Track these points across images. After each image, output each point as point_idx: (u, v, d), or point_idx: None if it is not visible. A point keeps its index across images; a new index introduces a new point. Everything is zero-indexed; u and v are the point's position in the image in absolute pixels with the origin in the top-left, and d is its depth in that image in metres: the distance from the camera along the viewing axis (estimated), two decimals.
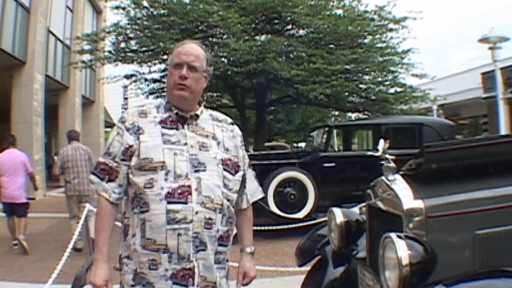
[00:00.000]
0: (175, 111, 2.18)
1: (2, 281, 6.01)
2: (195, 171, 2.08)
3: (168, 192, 2.02)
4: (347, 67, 12.56)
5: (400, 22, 13.54)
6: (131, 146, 2.10)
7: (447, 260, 2.29)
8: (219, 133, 2.25)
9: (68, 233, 7.59)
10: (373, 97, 13.99)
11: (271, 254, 7.28)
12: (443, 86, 19.25)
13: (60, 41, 20.51)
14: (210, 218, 2.06)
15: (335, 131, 10.15)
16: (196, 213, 2.03)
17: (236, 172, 2.24)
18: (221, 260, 2.16)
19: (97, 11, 26.65)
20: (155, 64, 14.08)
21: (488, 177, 2.60)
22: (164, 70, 14.00)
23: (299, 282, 3.52)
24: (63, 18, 21.13)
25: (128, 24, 13.50)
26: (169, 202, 2.01)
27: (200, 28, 12.63)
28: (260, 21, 12.80)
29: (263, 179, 8.56)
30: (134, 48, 13.67)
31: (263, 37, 13.10)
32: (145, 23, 13.22)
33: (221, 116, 2.37)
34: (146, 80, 15.29)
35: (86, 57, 15.44)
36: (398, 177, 2.66)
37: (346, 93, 13.63)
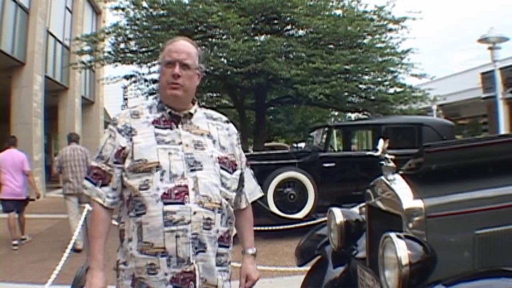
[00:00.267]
0: (168, 110, 2.13)
1: (1, 282, 6.00)
2: (191, 170, 2.02)
3: (165, 193, 1.97)
4: (347, 67, 12.56)
5: (400, 22, 13.54)
6: (124, 148, 2.05)
7: (446, 260, 2.29)
8: (214, 131, 2.20)
9: (68, 233, 7.60)
10: (372, 97, 14.00)
11: (271, 254, 7.28)
12: (443, 86, 19.24)
13: (60, 42, 20.51)
14: (209, 218, 2.01)
15: (334, 131, 10.16)
16: (194, 213, 1.97)
17: (234, 170, 2.19)
18: (223, 262, 2.09)
19: (97, 12, 26.64)
20: (154, 64, 14.05)
21: (487, 177, 2.60)
22: None
23: (299, 282, 3.51)
24: (63, 19, 21.13)
25: (127, 24, 13.50)
26: (165, 203, 1.96)
27: (199, 28, 12.63)
28: (259, 21, 12.80)
29: (263, 179, 8.56)
30: (134, 48, 13.68)
31: (262, 38, 13.11)
32: (144, 23, 13.22)
33: (215, 114, 2.32)
34: (145, 80, 15.29)
35: (86, 58, 15.43)
36: (397, 177, 2.65)
37: (346, 93, 13.63)
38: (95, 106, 26.37)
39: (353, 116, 18.28)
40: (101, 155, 2.10)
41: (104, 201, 2.06)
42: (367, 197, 3.00)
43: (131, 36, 13.38)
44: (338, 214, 3.27)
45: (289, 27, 13.80)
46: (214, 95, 17.73)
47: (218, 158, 2.12)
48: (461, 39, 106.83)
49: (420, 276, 2.18)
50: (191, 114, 2.16)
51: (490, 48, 12.73)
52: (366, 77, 14.06)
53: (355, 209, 3.90)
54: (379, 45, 13.81)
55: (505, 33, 12.66)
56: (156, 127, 2.09)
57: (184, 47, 2.14)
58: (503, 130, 13.81)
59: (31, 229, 9.58)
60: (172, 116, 2.13)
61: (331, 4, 13.66)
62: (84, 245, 7.52)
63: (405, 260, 2.15)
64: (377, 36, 13.87)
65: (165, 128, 2.10)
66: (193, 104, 2.21)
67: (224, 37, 12.58)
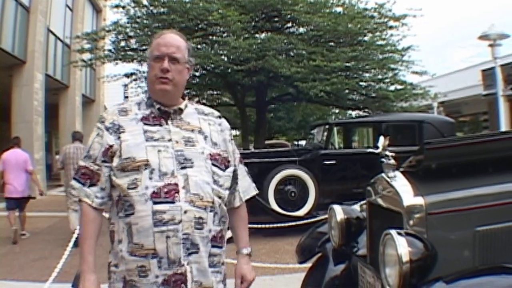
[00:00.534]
0: (157, 106, 2.05)
1: (2, 280, 6.02)
2: (182, 167, 1.95)
3: (154, 192, 1.89)
4: (347, 64, 12.54)
5: (400, 20, 13.54)
6: (111, 146, 1.98)
7: (447, 257, 2.29)
8: (206, 127, 2.12)
9: (69, 232, 7.60)
10: (373, 95, 14.00)
11: (272, 252, 7.29)
12: (443, 84, 19.22)
13: (60, 40, 20.52)
14: (200, 217, 1.93)
15: (335, 129, 10.15)
16: (185, 212, 1.89)
17: (226, 167, 2.11)
18: (215, 263, 2.02)
19: (97, 10, 26.66)
20: None
21: (488, 174, 2.59)
22: None
23: (299, 280, 3.51)
24: (63, 17, 21.14)
25: (128, 22, 13.51)
26: (155, 203, 1.88)
27: (200, 26, 12.63)
28: (260, 19, 12.80)
29: (264, 177, 8.62)
30: (134, 46, 13.67)
31: (263, 35, 13.10)
32: (145, 21, 13.23)
33: (207, 109, 2.24)
34: (146, 78, 15.26)
35: (86, 56, 15.43)
36: (398, 174, 2.65)
37: (346, 91, 13.62)
38: (96, 104, 26.39)
39: (353, 113, 18.26)
40: (89, 154, 2.03)
41: (93, 201, 1.99)
42: (367, 194, 3.00)
43: (131, 34, 13.38)
44: (339, 212, 3.26)
45: (289, 24, 13.81)
46: (215, 93, 17.72)
47: (210, 154, 2.04)
48: (461, 36, 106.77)
49: (420, 273, 2.18)
50: (181, 110, 2.09)
51: (490, 45, 12.69)
52: (367, 75, 14.08)
53: (356, 207, 3.90)
54: (379, 42, 13.82)
55: (505, 30, 12.64)
56: (145, 124, 2.02)
57: (173, 41, 2.07)
58: (503, 127, 13.79)
59: (31, 227, 9.61)
60: (162, 112, 2.06)
61: (331, 1, 13.64)
62: None
63: (405, 257, 2.15)
64: (377, 33, 13.88)
65: (154, 125, 2.02)
66: (183, 99, 2.14)
67: (225, 34, 12.59)
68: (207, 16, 11.80)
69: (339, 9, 13.68)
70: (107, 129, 2.02)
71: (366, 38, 13.66)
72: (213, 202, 1.98)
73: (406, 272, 2.14)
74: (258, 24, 12.80)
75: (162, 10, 12.97)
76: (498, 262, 2.25)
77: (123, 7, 13.37)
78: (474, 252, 2.36)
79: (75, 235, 5.97)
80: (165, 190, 1.90)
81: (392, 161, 2.70)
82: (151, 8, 13.28)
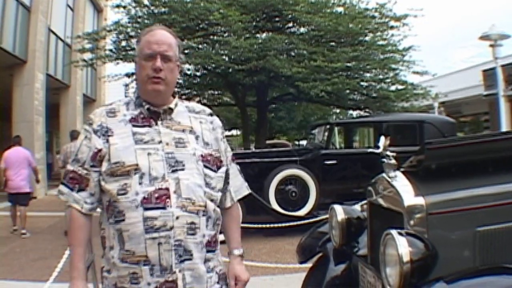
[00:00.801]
0: (147, 106, 1.97)
1: (3, 280, 6.02)
2: (173, 171, 1.88)
3: (144, 198, 1.82)
4: (348, 64, 12.56)
5: (401, 20, 13.55)
6: (100, 150, 1.90)
7: (448, 257, 2.29)
8: (197, 126, 2.04)
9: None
10: (374, 95, 14.00)
11: (273, 252, 7.29)
12: (444, 84, 19.23)
13: (61, 40, 20.53)
14: (193, 223, 1.87)
15: (336, 129, 10.14)
16: (177, 218, 1.83)
17: (219, 168, 2.04)
18: (212, 267, 1.97)
19: (98, 9, 26.67)
20: None
21: (489, 174, 2.59)
22: None
23: (300, 279, 3.52)
24: (64, 17, 21.14)
25: (128, 22, 13.52)
26: (145, 209, 1.82)
27: (201, 26, 12.63)
28: (261, 19, 12.81)
29: (264, 176, 8.62)
30: (135, 46, 13.66)
31: (264, 35, 13.10)
32: (145, 21, 13.21)
33: (198, 106, 2.16)
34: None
35: (87, 55, 15.44)
36: (399, 174, 2.65)
37: (347, 91, 13.63)
38: (97, 104, 26.33)
39: (354, 113, 18.26)
40: (77, 158, 1.96)
41: (82, 207, 1.92)
42: (368, 194, 3.00)
43: (132, 34, 13.37)
44: (340, 212, 3.26)
45: (290, 24, 13.81)
46: (216, 92, 17.73)
47: (202, 155, 1.97)
48: (462, 36, 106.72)
49: (421, 273, 2.18)
50: (171, 109, 2.01)
51: (491, 46, 12.68)
52: (368, 75, 14.08)
53: (357, 207, 3.89)
54: (380, 42, 13.82)
55: (506, 30, 12.64)
56: (134, 125, 1.94)
57: (164, 38, 1.99)
58: (504, 127, 13.79)
59: (32, 227, 9.62)
60: (151, 112, 1.98)
61: (332, 1, 13.66)
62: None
63: (406, 257, 2.15)
64: (378, 33, 13.88)
65: (143, 126, 1.95)
66: (174, 97, 2.06)
67: (226, 34, 12.59)
68: (208, 16, 11.80)
69: (340, 9, 13.69)
70: (95, 132, 1.94)
71: (367, 38, 13.66)
72: (205, 206, 1.92)
73: (406, 272, 2.14)
74: (259, 24, 12.80)
75: (163, 10, 12.98)
76: (499, 262, 2.25)
77: (124, 7, 13.39)
78: (475, 252, 2.36)
79: None
80: (156, 195, 1.84)
81: (393, 161, 2.70)
82: (152, 8, 13.29)
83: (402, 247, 2.16)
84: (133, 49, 13.64)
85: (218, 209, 2.02)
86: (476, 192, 2.49)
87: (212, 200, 1.97)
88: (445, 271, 2.16)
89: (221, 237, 2.05)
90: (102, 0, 23.43)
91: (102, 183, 1.90)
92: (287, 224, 7.79)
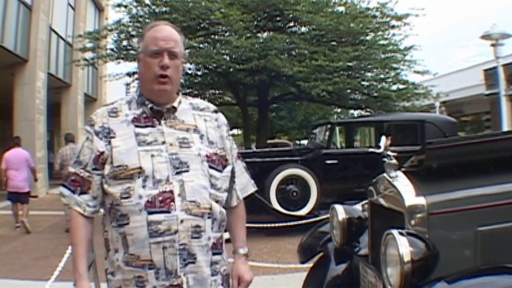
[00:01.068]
0: (150, 105, 1.91)
1: (4, 279, 6.03)
2: (177, 173, 1.83)
3: (148, 201, 1.78)
4: (349, 64, 12.55)
5: (402, 19, 13.53)
6: (102, 153, 1.86)
7: (449, 257, 2.29)
8: (202, 124, 1.98)
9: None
10: (375, 94, 14.00)
11: (273, 251, 7.29)
12: (446, 83, 19.21)
13: (62, 39, 20.52)
14: (197, 226, 1.83)
15: (337, 128, 10.14)
16: (181, 221, 1.79)
17: (224, 167, 1.99)
18: (218, 270, 1.93)
19: (99, 9, 26.65)
20: None
21: (490, 174, 2.59)
22: None
23: (301, 279, 3.51)
24: (65, 16, 21.13)
25: (130, 21, 13.53)
26: (149, 213, 1.78)
27: (202, 25, 12.64)
28: (262, 18, 12.81)
29: (265, 176, 8.62)
30: (136, 45, 13.66)
31: (265, 34, 13.11)
32: (147, 20, 13.21)
33: (203, 103, 2.09)
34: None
35: (88, 55, 15.46)
36: (400, 174, 2.65)
37: (349, 90, 13.64)
38: (98, 103, 26.31)
39: (355, 113, 18.26)
40: (79, 160, 1.91)
41: (85, 210, 1.88)
42: (369, 194, 3.00)
43: (133, 33, 13.38)
44: (341, 211, 3.26)
45: (291, 24, 13.82)
46: (217, 92, 17.73)
47: (207, 156, 1.92)
48: (463, 36, 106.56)
49: (422, 273, 2.18)
50: (174, 108, 1.94)
51: (493, 45, 12.66)
52: (369, 74, 14.08)
53: (358, 206, 3.90)
54: (381, 42, 13.80)
55: (508, 29, 12.62)
56: (136, 126, 1.89)
57: (171, 34, 1.92)
58: (506, 126, 13.78)
59: (34, 226, 9.65)
60: (154, 111, 1.92)
61: (333, 1, 13.66)
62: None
63: (407, 257, 2.14)
64: (379, 33, 13.87)
65: (146, 126, 1.89)
66: (178, 95, 2.00)
67: (227, 34, 12.60)
68: (209, 15, 11.81)
69: (341, 9, 13.70)
70: (97, 133, 1.89)
71: (368, 38, 13.64)
72: (210, 208, 1.88)
73: (407, 272, 2.14)
74: (260, 24, 12.81)
75: (164, 9, 13.00)
76: (500, 262, 2.25)
77: (125, 6, 13.40)
78: (476, 252, 2.36)
79: None
80: (160, 198, 1.79)
81: (394, 161, 2.70)
82: (153, 7, 13.31)
83: (403, 247, 2.16)
84: (134, 48, 13.65)
85: (223, 210, 1.98)
86: (477, 192, 2.49)
87: (217, 202, 1.93)
88: (446, 271, 2.16)
89: (226, 235, 2.04)
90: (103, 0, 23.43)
91: (105, 186, 1.86)
92: (288, 224, 7.78)
